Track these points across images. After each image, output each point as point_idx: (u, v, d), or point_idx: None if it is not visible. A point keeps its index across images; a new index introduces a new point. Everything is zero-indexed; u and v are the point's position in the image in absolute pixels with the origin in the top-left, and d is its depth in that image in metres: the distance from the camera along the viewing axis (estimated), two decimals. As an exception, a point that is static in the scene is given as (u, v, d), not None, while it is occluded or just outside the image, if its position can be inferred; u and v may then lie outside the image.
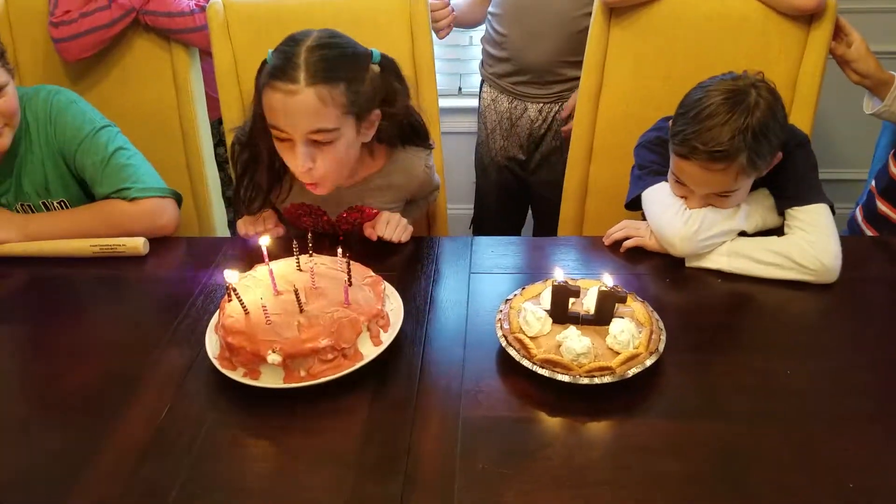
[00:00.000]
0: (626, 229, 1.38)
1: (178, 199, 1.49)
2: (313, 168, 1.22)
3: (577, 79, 1.74)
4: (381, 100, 1.27)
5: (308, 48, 1.18)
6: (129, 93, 1.78)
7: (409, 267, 1.35)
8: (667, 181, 1.34)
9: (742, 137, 1.18)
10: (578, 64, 1.73)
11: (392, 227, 1.39)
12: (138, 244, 1.37)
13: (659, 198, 1.34)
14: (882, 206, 1.53)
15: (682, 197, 1.31)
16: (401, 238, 1.39)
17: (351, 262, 1.14)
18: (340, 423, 1.01)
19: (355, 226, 1.44)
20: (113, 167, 1.43)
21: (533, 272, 1.33)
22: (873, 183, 1.58)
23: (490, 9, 1.85)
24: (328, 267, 1.16)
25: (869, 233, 1.58)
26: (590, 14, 1.66)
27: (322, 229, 1.46)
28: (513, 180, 2.04)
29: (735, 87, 1.23)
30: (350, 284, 1.12)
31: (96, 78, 1.78)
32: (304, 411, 1.02)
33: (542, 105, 1.88)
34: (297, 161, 1.21)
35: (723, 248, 1.29)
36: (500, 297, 1.19)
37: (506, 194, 2.07)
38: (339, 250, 1.14)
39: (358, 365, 1.05)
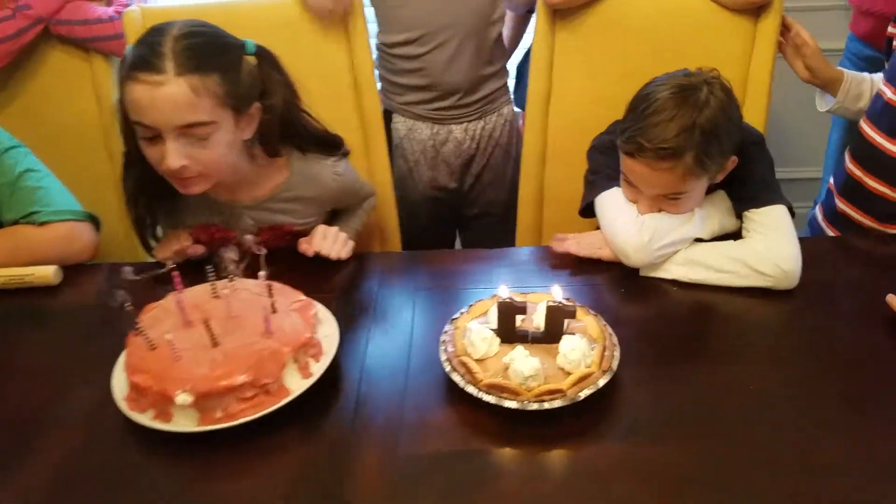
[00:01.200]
0: (578, 243, 1.30)
1: (96, 223, 1.37)
2: (188, 166, 1.11)
3: (499, 89, 1.73)
4: (261, 92, 1.18)
5: (174, 37, 1.08)
6: (49, 108, 1.67)
7: (349, 287, 1.25)
8: (620, 187, 1.26)
9: (689, 135, 1.11)
10: (495, 75, 1.71)
11: (329, 241, 1.28)
12: (48, 273, 1.25)
13: (612, 204, 1.26)
14: (841, 205, 1.47)
15: (632, 201, 1.23)
16: (340, 254, 1.28)
17: (277, 285, 1.04)
18: (265, 468, 0.90)
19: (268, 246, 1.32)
20: (21, 190, 1.31)
21: (484, 287, 1.23)
22: (831, 180, 1.52)
23: (390, 38, 1.67)
24: (250, 293, 1.05)
25: (830, 233, 1.51)
26: (500, 20, 1.63)
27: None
28: (445, 212, 1.88)
29: (686, 83, 1.16)
30: (274, 311, 1.01)
31: (12, 93, 1.66)
32: (224, 456, 0.92)
33: (466, 124, 1.74)
34: (168, 159, 1.09)
35: (678, 257, 1.21)
36: (448, 317, 1.09)
37: (438, 229, 1.91)
38: (262, 273, 1.03)
39: (283, 402, 0.94)
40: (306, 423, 0.96)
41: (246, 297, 1.04)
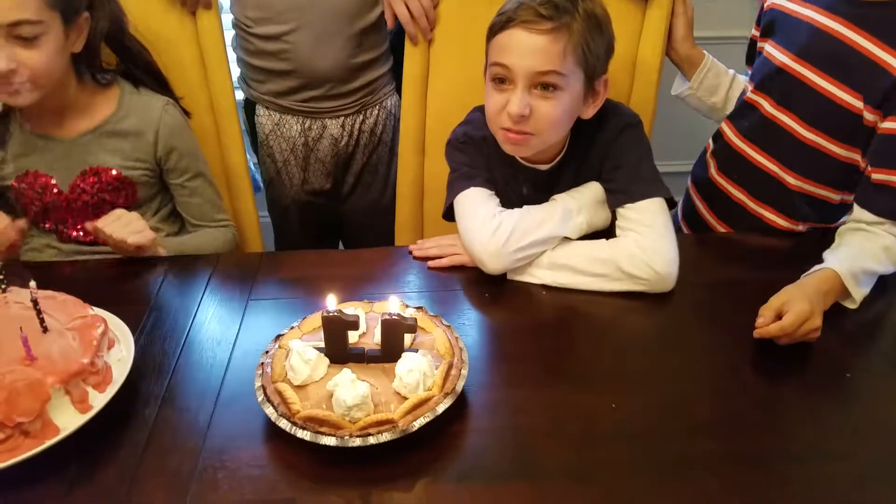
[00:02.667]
0: (439, 246, 1.16)
1: None
2: (16, 70, 1.07)
3: (379, 78, 1.52)
4: (89, 4, 1.16)
5: None
6: None
7: (170, 296, 1.07)
8: (478, 186, 1.12)
9: (573, 2, 1.01)
10: (375, 62, 1.50)
11: (121, 223, 1.12)
12: None
13: (468, 206, 1.12)
14: (697, 201, 1.39)
15: (500, 107, 1.05)
16: (124, 238, 1.10)
17: (59, 297, 0.86)
18: (15, 531, 0.72)
19: (95, 200, 1.21)
20: None
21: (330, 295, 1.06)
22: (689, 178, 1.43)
23: (244, 14, 1.45)
24: (24, 307, 0.86)
25: (685, 230, 1.43)
26: (377, 3, 1.42)
27: (57, 213, 1.23)
28: (324, 214, 1.68)
29: None
30: (45, 331, 0.82)
31: None
32: (-34, 516, 0.73)
33: (343, 118, 1.54)
34: None
35: (543, 260, 1.08)
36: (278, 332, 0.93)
37: (313, 236, 1.71)
38: (32, 283, 0.84)
39: (45, 445, 0.76)
40: (81, 468, 0.79)
41: (13, 313, 0.85)
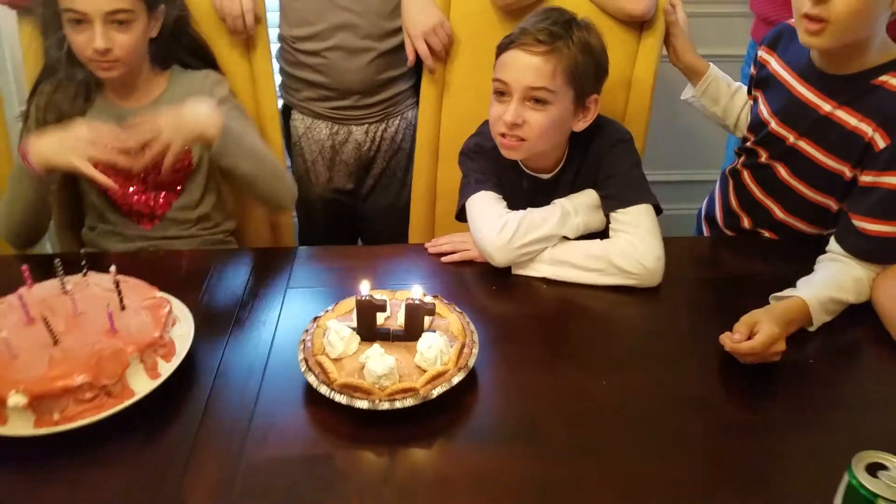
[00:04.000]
0: (451, 243, 1.31)
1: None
2: (111, 49, 1.27)
3: (402, 93, 1.69)
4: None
5: None
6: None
7: (217, 284, 1.22)
8: (488, 190, 1.27)
9: (566, 29, 1.18)
10: (398, 79, 1.67)
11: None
12: None
13: (478, 206, 1.27)
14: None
15: (498, 117, 1.21)
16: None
17: (131, 281, 1.01)
18: (102, 474, 0.87)
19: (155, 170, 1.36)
20: None
21: (357, 285, 1.21)
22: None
23: (289, 31, 1.64)
24: (101, 288, 1.02)
25: (706, 232, 1.55)
26: (401, 30, 1.58)
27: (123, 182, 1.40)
28: (344, 211, 1.85)
29: (557, 8, 1.25)
30: (123, 308, 0.97)
31: None
32: (62, 461, 0.88)
33: (367, 126, 1.70)
34: (97, 41, 1.25)
35: (545, 256, 1.22)
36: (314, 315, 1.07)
37: (335, 230, 1.87)
38: (112, 268, 1.00)
39: (124, 405, 0.91)
40: (151, 427, 0.92)
41: (95, 293, 1.01)
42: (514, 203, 1.28)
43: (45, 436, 0.87)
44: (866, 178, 1.16)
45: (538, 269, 1.22)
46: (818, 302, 1.11)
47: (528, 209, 1.24)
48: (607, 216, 1.26)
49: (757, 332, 1.02)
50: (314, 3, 1.58)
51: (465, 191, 1.30)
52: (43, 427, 0.87)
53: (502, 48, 1.22)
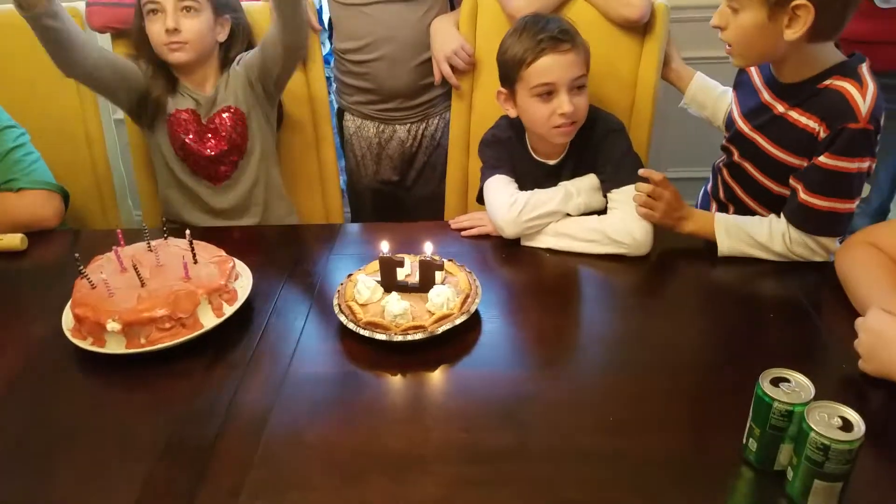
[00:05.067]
0: (471, 220, 1.51)
1: (65, 196, 1.60)
2: (181, 32, 1.53)
3: (439, 96, 1.90)
4: (233, 9, 1.66)
5: None
6: (35, 100, 1.87)
7: (274, 250, 1.46)
8: (502, 174, 1.47)
9: (566, 24, 1.39)
10: (436, 84, 1.87)
11: None
12: (16, 240, 1.47)
13: (493, 188, 1.47)
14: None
15: (548, 113, 1.39)
16: None
17: (201, 243, 1.26)
18: (176, 383, 1.11)
19: (221, 128, 1.66)
20: (8, 162, 1.54)
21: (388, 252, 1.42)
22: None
23: (341, 45, 1.90)
24: (180, 248, 1.27)
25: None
26: None
27: (196, 144, 1.66)
28: (390, 199, 2.09)
29: (535, 14, 1.45)
30: (195, 262, 1.22)
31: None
32: (145, 374, 1.12)
33: (409, 125, 1.94)
34: (168, 21, 1.51)
35: (549, 229, 1.41)
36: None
37: (382, 217, 2.12)
38: (188, 232, 1.25)
39: (196, 333, 1.15)
40: (215, 352, 1.16)
41: (174, 251, 1.26)
42: (525, 185, 1.48)
43: (134, 354, 1.12)
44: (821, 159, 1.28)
45: (543, 241, 1.41)
46: (725, 222, 1.34)
47: (535, 189, 1.44)
48: (606, 197, 1.44)
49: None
50: (362, 21, 1.83)
51: (484, 174, 1.51)
52: (132, 348, 1.13)
53: (531, 58, 1.37)
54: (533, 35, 1.38)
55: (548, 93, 1.39)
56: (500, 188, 1.46)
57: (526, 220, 1.40)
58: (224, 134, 1.66)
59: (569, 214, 1.42)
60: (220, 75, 1.67)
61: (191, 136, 1.65)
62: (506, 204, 1.41)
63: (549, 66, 1.37)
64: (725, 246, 1.34)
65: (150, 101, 1.63)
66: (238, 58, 1.67)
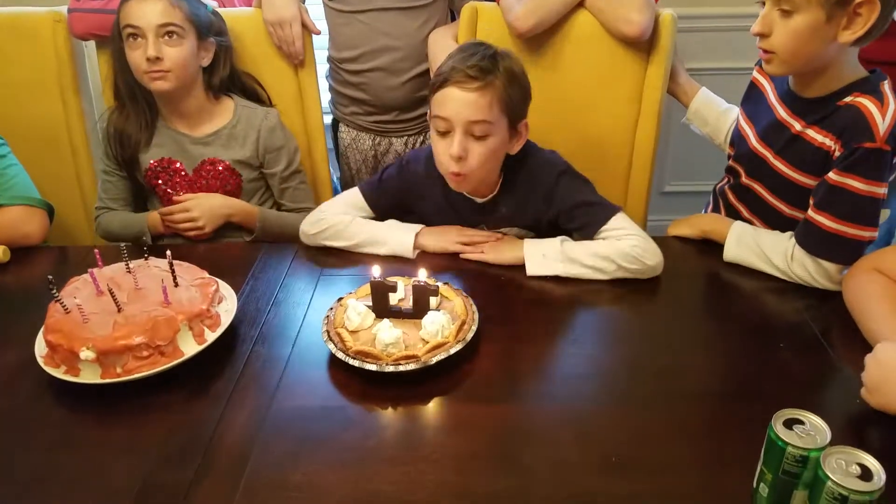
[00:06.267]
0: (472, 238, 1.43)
1: (50, 211, 1.53)
2: (161, 59, 1.46)
3: None
4: (217, 32, 1.59)
5: None
6: (17, 108, 1.81)
7: (263, 271, 1.40)
8: (363, 196, 1.46)
9: (493, 63, 1.26)
10: None
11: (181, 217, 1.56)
12: (-2, 252, 1.41)
13: (341, 196, 1.50)
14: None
15: (441, 153, 1.30)
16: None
17: (184, 264, 1.20)
18: (153, 417, 1.05)
19: (210, 184, 1.62)
20: None
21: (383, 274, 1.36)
22: None
23: (336, 54, 1.83)
24: (160, 270, 1.20)
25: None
26: None
27: (176, 192, 1.63)
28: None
29: (479, 42, 1.33)
30: (176, 285, 1.16)
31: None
32: (122, 406, 1.06)
33: (406, 138, 1.88)
34: (149, 50, 1.45)
35: (559, 257, 1.33)
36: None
37: None
38: (168, 252, 1.19)
39: (174, 362, 1.08)
40: (196, 382, 1.10)
41: (153, 273, 1.19)
42: (449, 221, 1.43)
43: (110, 385, 1.06)
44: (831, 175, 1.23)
45: (552, 268, 1.32)
46: (740, 231, 1.33)
47: (357, 219, 1.44)
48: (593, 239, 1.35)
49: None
50: (358, 29, 1.77)
51: (360, 185, 1.50)
52: (108, 378, 1.06)
53: (437, 85, 1.28)
54: (455, 62, 1.27)
55: (446, 130, 1.29)
56: (341, 199, 1.48)
57: (311, 235, 1.44)
58: (217, 183, 1.62)
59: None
60: (211, 102, 1.61)
61: (177, 189, 1.62)
62: (314, 214, 1.45)
63: (447, 100, 1.26)
64: (732, 252, 1.34)
65: (123, 156, 1.60)
66: (258, 124, 1.62)
